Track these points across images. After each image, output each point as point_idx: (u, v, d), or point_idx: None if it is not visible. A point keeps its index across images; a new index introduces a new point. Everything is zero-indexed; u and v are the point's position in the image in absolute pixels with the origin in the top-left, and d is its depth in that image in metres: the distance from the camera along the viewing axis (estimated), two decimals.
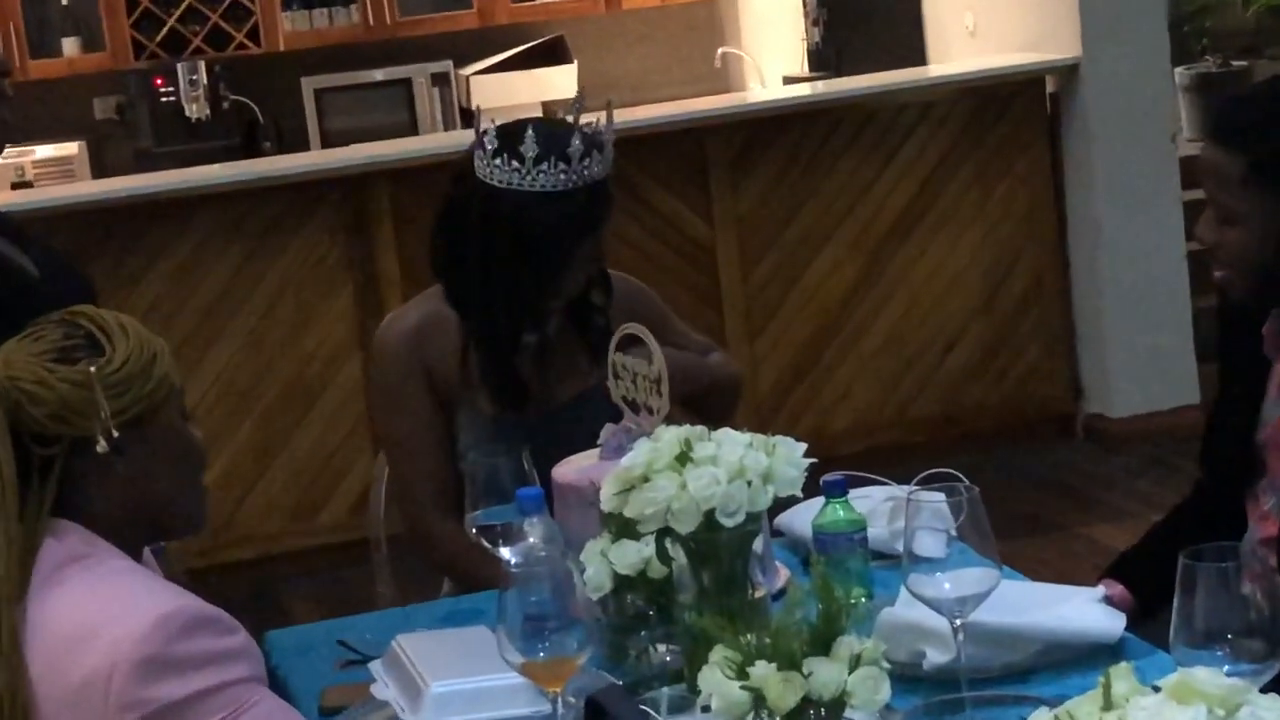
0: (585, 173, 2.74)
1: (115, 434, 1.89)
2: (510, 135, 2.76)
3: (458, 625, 2.44)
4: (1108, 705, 1.35)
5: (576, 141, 2.74)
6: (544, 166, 2.73)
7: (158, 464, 1.95)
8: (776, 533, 2.64)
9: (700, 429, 2.06)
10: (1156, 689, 1.38)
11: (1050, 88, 5.87)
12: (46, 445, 1.89)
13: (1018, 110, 5.84)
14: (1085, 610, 2.21)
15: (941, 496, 1.98)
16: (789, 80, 7.28)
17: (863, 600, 2.32)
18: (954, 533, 1.97)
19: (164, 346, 1.99)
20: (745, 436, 2.04)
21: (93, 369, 1.90)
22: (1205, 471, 2.64)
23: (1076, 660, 2.12)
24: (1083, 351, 5.94)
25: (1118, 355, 5.81)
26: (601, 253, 2.87)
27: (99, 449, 1.89)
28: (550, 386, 2.91)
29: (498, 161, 2.75)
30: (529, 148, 2.73)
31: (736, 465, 1.98)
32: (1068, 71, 5.76)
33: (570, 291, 2.86)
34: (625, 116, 5.81)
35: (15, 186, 6.87)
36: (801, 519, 2.53)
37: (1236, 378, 2.55)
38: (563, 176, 2.73)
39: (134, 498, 1.94)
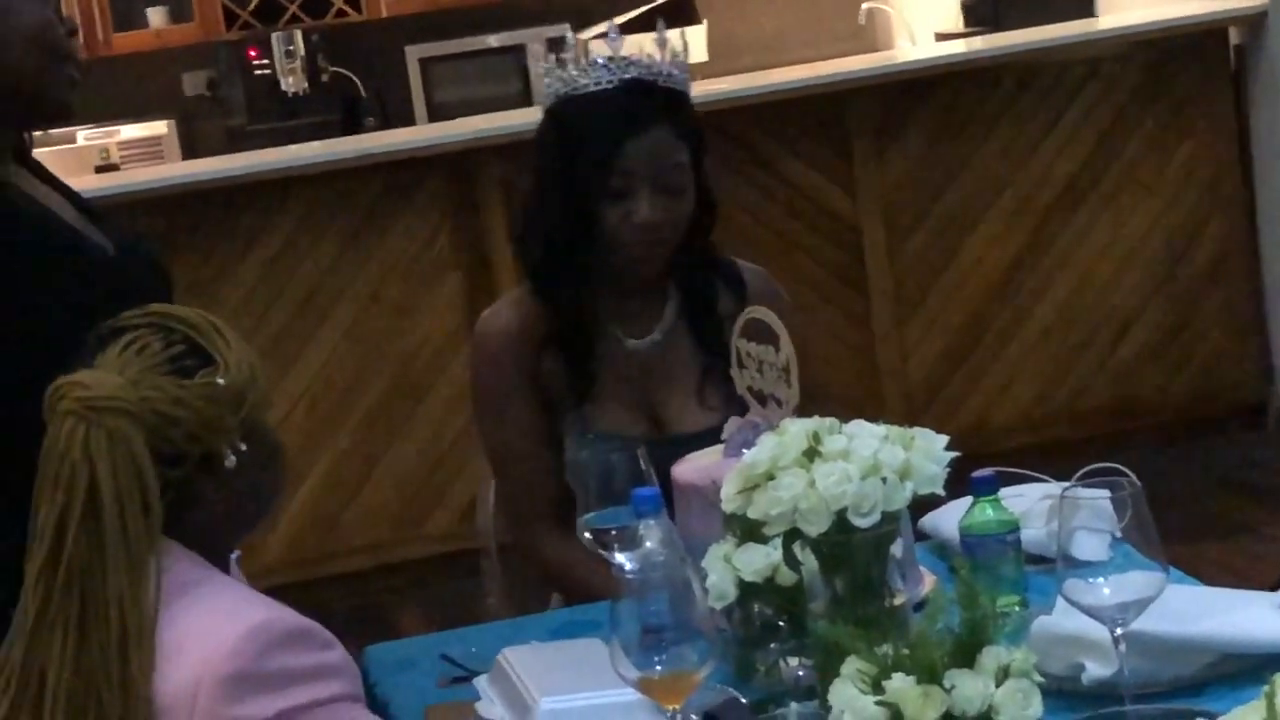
0: (626, 71, 2.86)
1: (243, 447, 1.96)
2: (557, 46, 2.98)
3: (571, 638, 2.46)
4: (1272, 717, 1.35)
5: (611, 41, 2.90)
6: (582, 64, 2.88)
7: (257, 469, 2.01)
8: (922, 535, 2.65)
9: (831, 421, 2.07)
10: None
11: (1234, 39, 5.81)
12: (175, 466, 1.94)
13: (1198, 65, 5.79)
14: (1263, 617, 2.17)
15: (1104, 493, 1.97)
16: (942, 37, 7.24)
17: (1015, 608, 2.33)
18: (1117, 534, 1.97)
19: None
20: (880, 429, 2.03)
21: (220, 381, 1.95)
22: None
23: (1253, 672, 2.08)
24: (1274, 333, 5.87)
25: None
26: (672, 184, 2.86)
27: (227, 464, 1.96)
28: (668, 407, 2.91)
29: (546, 79, 2.95)
30: (568, 49, 2.91)
31: (870, 461, 1.97)
32: (1254, 20, 5.70)
33: (640, 216, 2.84)
34: (758, 81, 5.85)
35: (100, 170, 6.95)
36: (949, 520, 2.53)
37: None
38: (605, 72, 2.85)
39: (233, 508, 2.00)
